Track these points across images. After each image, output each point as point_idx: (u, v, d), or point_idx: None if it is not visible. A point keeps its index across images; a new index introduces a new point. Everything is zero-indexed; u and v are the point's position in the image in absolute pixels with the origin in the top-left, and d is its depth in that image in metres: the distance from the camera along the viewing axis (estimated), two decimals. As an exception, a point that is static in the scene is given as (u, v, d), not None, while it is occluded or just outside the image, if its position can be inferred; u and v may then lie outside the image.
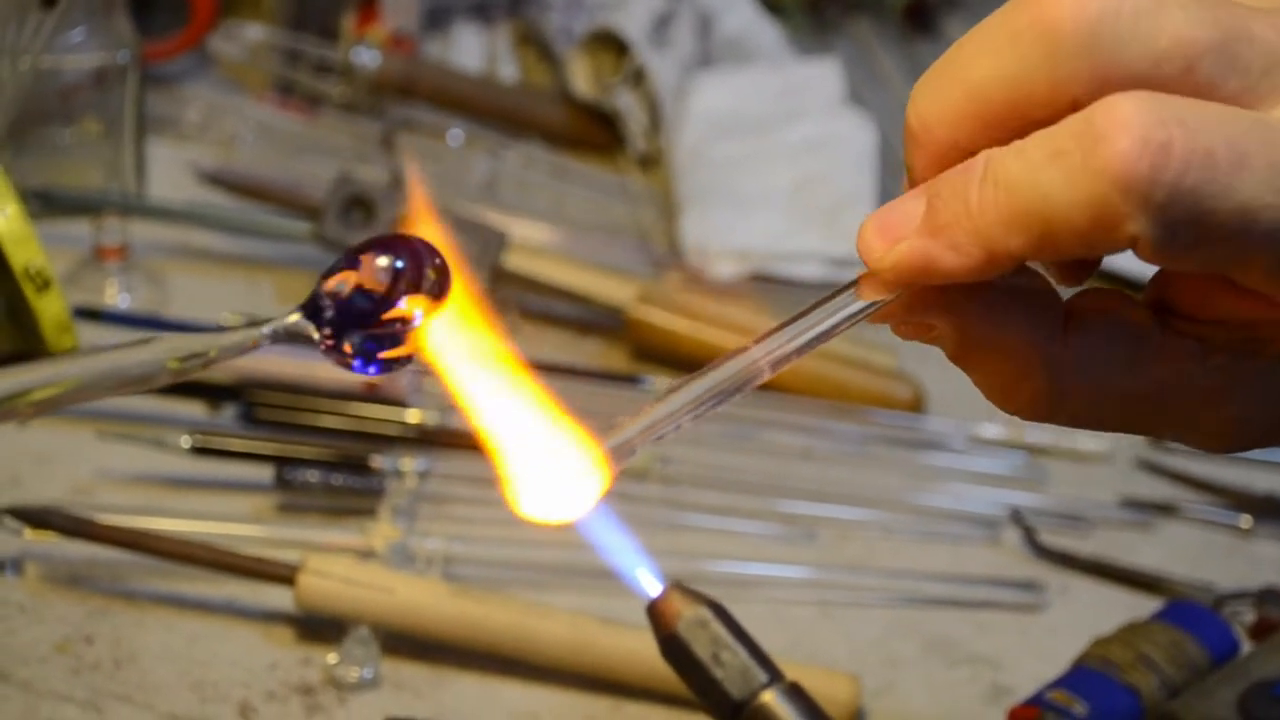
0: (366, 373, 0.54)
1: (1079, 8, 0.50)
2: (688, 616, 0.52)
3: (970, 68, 0.53)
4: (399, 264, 0.53)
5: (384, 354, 0.54)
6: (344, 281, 0.53)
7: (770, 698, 0.51)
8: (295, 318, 0.53)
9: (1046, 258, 0.52)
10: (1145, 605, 1.00)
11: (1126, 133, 0.48)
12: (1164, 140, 0.48)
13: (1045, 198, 0.50)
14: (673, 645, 0.52)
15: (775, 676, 0.51)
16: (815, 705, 0.51)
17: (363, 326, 0.53)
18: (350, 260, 0.54)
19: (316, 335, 0.53)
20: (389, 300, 0.53)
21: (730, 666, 0.51)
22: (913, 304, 0.55)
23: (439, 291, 0.53)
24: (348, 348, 0.54)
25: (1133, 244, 0.50)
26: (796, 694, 0.51)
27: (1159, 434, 0.60)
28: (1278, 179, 0.49)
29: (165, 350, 0.52)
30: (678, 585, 0.53)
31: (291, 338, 0.54)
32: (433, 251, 0.54)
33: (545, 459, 0.51)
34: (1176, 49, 0.50)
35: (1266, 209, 0.49)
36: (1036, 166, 0.50)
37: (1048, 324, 0.56)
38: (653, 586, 0.54)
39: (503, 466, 0.52)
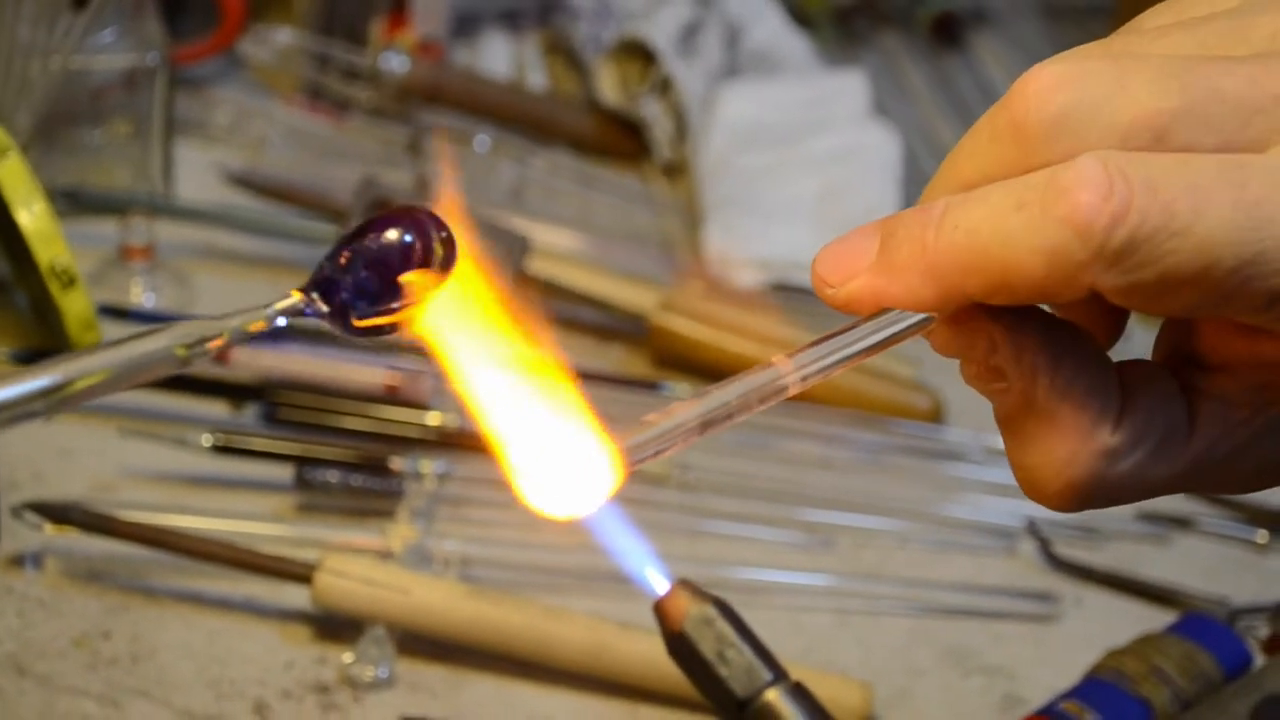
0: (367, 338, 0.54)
1: (1042, 102, 0.52)
2: (694, 614, 0.53)
3: (960, 171, 0.55)
4: (406, 237, 0.53)
5: (390, 319, 0.54)
6: (351, 256, 0.54)
7: (774, 696, 0.51)
8: (299, 296, 0.54)
9: (1001, 301, 0.53)
10: (1159, 618, 1.00)
11: (1088, 187, 0.49)
12: (1124, 193, 0.49)
13: (1004, 244, 0.51)
14: (678, 643, 0.52)
15: (779, 675, 0.52)
16: (819, 705, 0.51)
17: (371, 300, 0.53)
18: (358, 235, 0.54)
19: (325, 308, 0.54)
20: (396, 273, 0.53)
21: (735, 665, 0.51)
22: (985, 321, 0.55)
23: (446, 265, 0.54)
24: (356, 323, 0.54)
25: (1094, 290, 0.50)
26: (800, 693, 0.51)
27: (1181, 493, 0.60)
28: (1242, 217, 0.49)
29: (172, 337, 0.52)
30: (684, 583, 0.54)
31: (298, 314, 0.54)
32: (439, 224, 0.54)
33: (558, 452, 0.51)
34: (1142, 122, 0.51)
35: (1230, 246, 0.49)
36: (998, 213, 0.51)
37: (1110, 398, 0.55)
38: (660, 584, 0.54)
39: (509, 458, 0.52)
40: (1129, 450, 0.55)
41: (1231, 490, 0.59)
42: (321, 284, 0.54)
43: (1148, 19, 0.57)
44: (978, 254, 0.51)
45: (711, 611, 0.53)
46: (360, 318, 0.54)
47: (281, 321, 0.54)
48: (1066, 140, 0.51)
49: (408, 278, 0.53)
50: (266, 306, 0.54)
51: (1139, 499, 0.57)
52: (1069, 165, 0.50)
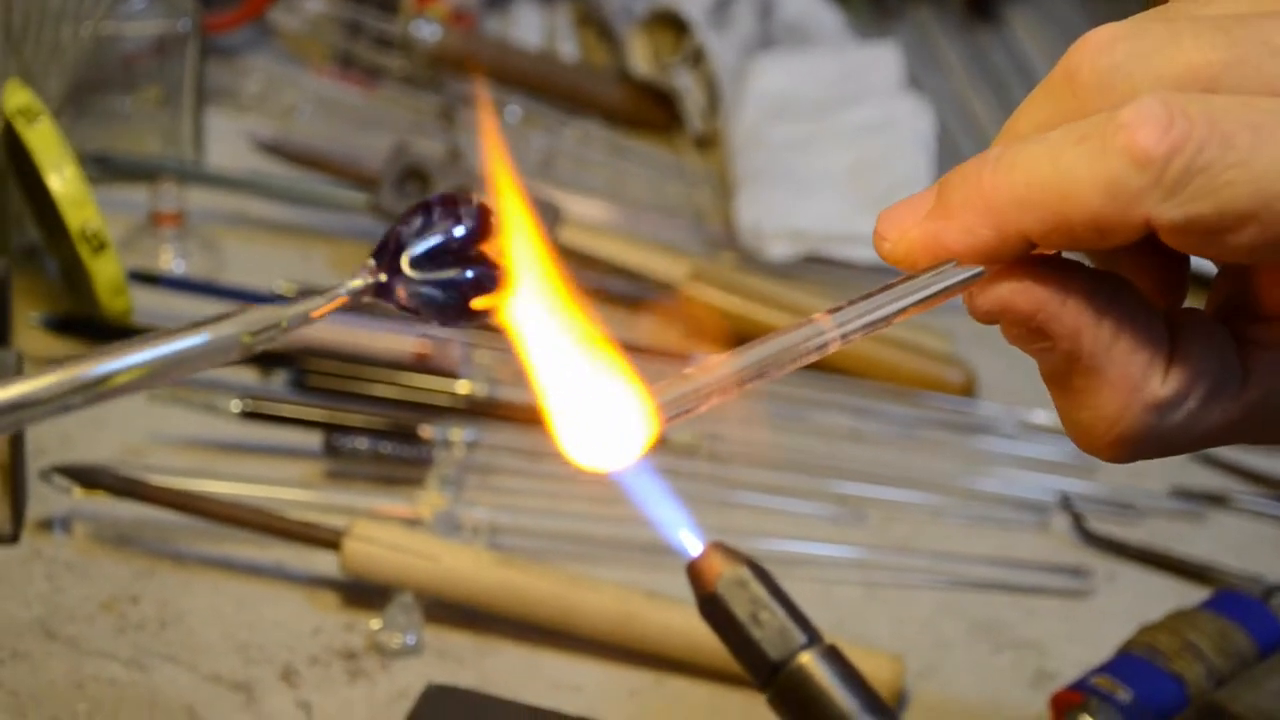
0: (449, 324, 0.54)
1: (1096, 55, 0.52)
2: (727, 576, 0.52)
3: (1017, 127, 0.55)
4: (467, 219, 0.53)
5: (468, 303, 0.54)
6: (416, 237, 0.53)
7: (808, 659, 0.51)
8: (365, 279, 0.53)
9: (1057, 242, 0.52)
10: (1193, 595, 0.99)
11: (1148, 120, 0.49)
12: (1184, 126, 0.49)
13: (1062, 177, 0.51)
14: (711, 604, 0.52)
15: (814, 638, 0.51)
16: (853, 668, 0.50)
17: (437, 278, 0.53)
18: (419, 214, 0.54)
19: (383, 278, 0.53)
20: (462, 251, 0.53)
21: (769, 627, 0.51)
22: (1023, 279, 0.55)
23: (493, 239, 0.54)
24: (418, 305, 0.54)
25: (1150, 226, 0.50)
26: (834, 656, 0.51)
27: (1232, 444, 0.59)
28: None
29: (239, 325, 0.52)
30: (718, 544, 0.53)
31: (363, 297, 0.54)
32: (486, 209, 0.54)
33: (596, 405, 0.51)
34: (1193, 72, 0.51)
35: None
36: (1056, 149, 0.51)
37: (1158, 352, 0.55)
38: (693, 546, 0.53)
39: (551, 410, 0.52)
40: (1179, 401, 0.54)
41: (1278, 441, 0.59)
42: (391, 267, 0.54)
43: None
44: (1035, 189, 0.51)
45: (745, 573, 0.52)
46: (427, 301, 0.53)
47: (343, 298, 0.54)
48: (1120, 89, 0.51)
49: (477, 257, 0.53)
50: (332, 289, 0.54)
51: (1192, 449, 0.57)
52: (1129, 103, 0.50)
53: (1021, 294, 0.54)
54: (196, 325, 0.52)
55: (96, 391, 0.50)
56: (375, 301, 0.55)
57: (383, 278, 0.53)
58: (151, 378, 0.51)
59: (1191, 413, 0.55)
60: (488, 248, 0.54)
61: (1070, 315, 0.54)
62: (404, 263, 0.53)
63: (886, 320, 0.54)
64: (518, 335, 0.54)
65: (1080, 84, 0.52)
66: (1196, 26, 0.52)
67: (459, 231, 0.54)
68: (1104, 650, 0.91)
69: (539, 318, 0.54)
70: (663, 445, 1.08)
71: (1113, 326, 0.54)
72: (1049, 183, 0.51)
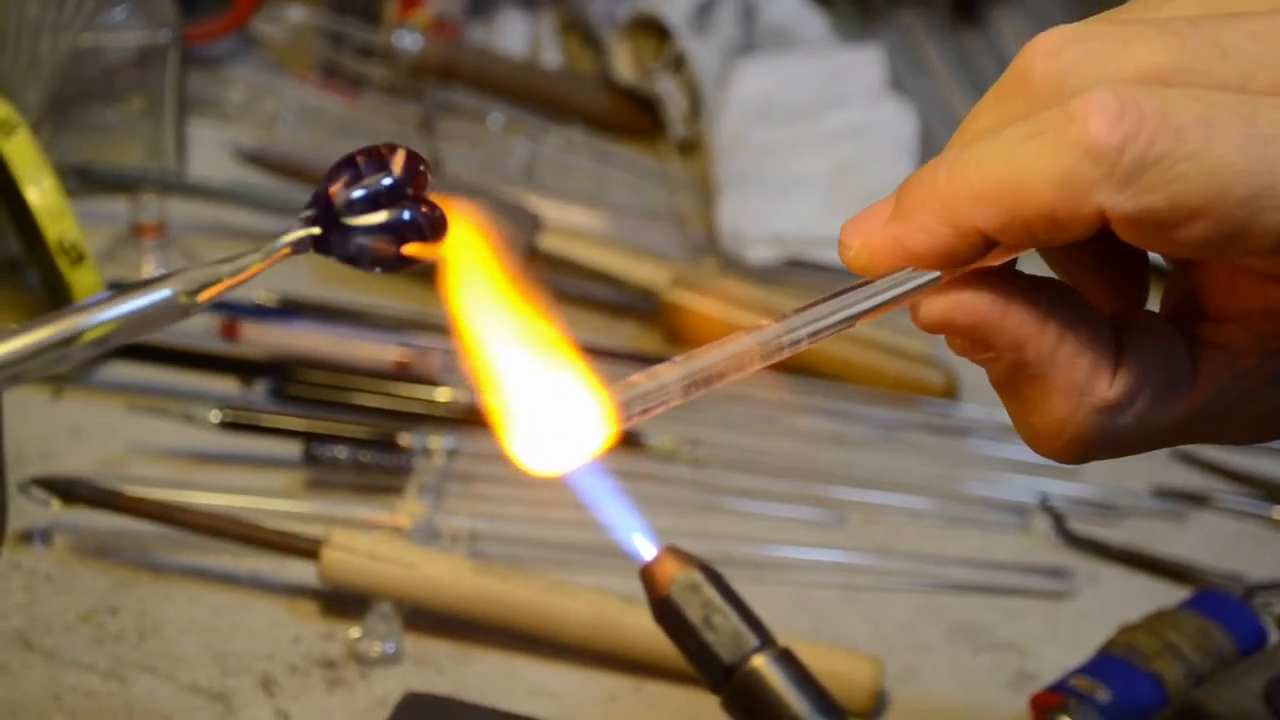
0: (389, 270, 0.54)
1: (1047, 59, 0.53)
2: (680, 580, 0.52)
3: (970, 132, 0.56)
4: (396, 166, 0.54)
5: (405, 247, 0.54)
6: (346, 188, 0.54)
7: (760, 662, 0.51)
8: (301, 232, 0.54)
9: (1015, 237, 0.52)
10: (1174, 595, 0.99)
11: (1099, 110, 0.49)
12: (1135, 116, 0.49)
13: (1016, 171, 0.51)
14: (665, 608, 0.52)
15: (766, 641, 0.51)
16: (805, 670, 0.50)
17: (372, 224, 0.53)
18: (346, 168, 0.54)
19: (317, 230, 0.54)
20: (394, 197, 0.53)
21: (722, 630, 0.51)
22: (962, 292, 0.55)
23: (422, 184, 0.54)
24: (356, 253, 0.54)
25: (1103, 218, 0.50)
26: (787, 659, 0.51)
27: (1185, 443, 0.60)
28: (1254, 149, 0.49)
29: (175, 284, 0.52)
30: (671, 548, 0.53)
31: (301, 249, 0.54)
32: (413, 155, 0.54)
33: (551, 404, 0.51)
34: (1140, 77, 0.52)
35: (1241, 175, 0.49)
36: (1010, 145, 0.52)
37: (1103, 355, 0.55)
38: (647, 550, 0.53)
39: (503, 414, 0.52)
40: (1127, 403, 0.55)
41: (1235, 440, 0.60)
42: (324, 218, 0.54)
43: None
44: (990, 185, 0.52)
45: (698, 577, 0.52)
46: (358, 248, 0.54)
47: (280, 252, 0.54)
48: (1071, 92, 0.52)
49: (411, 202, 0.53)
50: (262, 247, 0.54)
51: (1145, 449, 0.57)
52: (1085, 95, 0.50)
53: (961, 308, 0.54)
54: (131, 288, 0.53)
55: (33, 365, 0.51)
56: (315, 253, 0.55)
57: (317, 230, 0.54)
58: (94, 343, 0.52)
59: (1140, 414, 0.55)
60: (420, 192, 0.54)
61: (1012, 326, 0.54)
62: (338, 212, 0.53)
63: (840, 325, 0.54)
64: (468, 335, 0.54)
65: (1031, 87, 0.53)
66: (1147, 29, 0.52)
67: (387, 180, 0.54)
68: (1085, 651, 0.91)
69: (490, 318, 0.54)
70: (641, 450, 1.08)
71: (1055, 334, 0.54)
72: (1003, 178, 0.52)
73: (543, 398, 0.51)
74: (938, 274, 0.54)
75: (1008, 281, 0.55)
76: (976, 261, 0.55)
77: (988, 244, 0.53)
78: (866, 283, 0.55)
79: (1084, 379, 0.54)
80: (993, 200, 0.52)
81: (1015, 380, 0.56)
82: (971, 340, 0.55)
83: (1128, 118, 0.49)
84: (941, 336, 0.57)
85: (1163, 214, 0.50)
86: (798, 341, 0.54)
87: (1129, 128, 0.49)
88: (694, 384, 0.51)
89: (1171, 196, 0.49)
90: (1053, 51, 0.52)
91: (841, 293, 0.55)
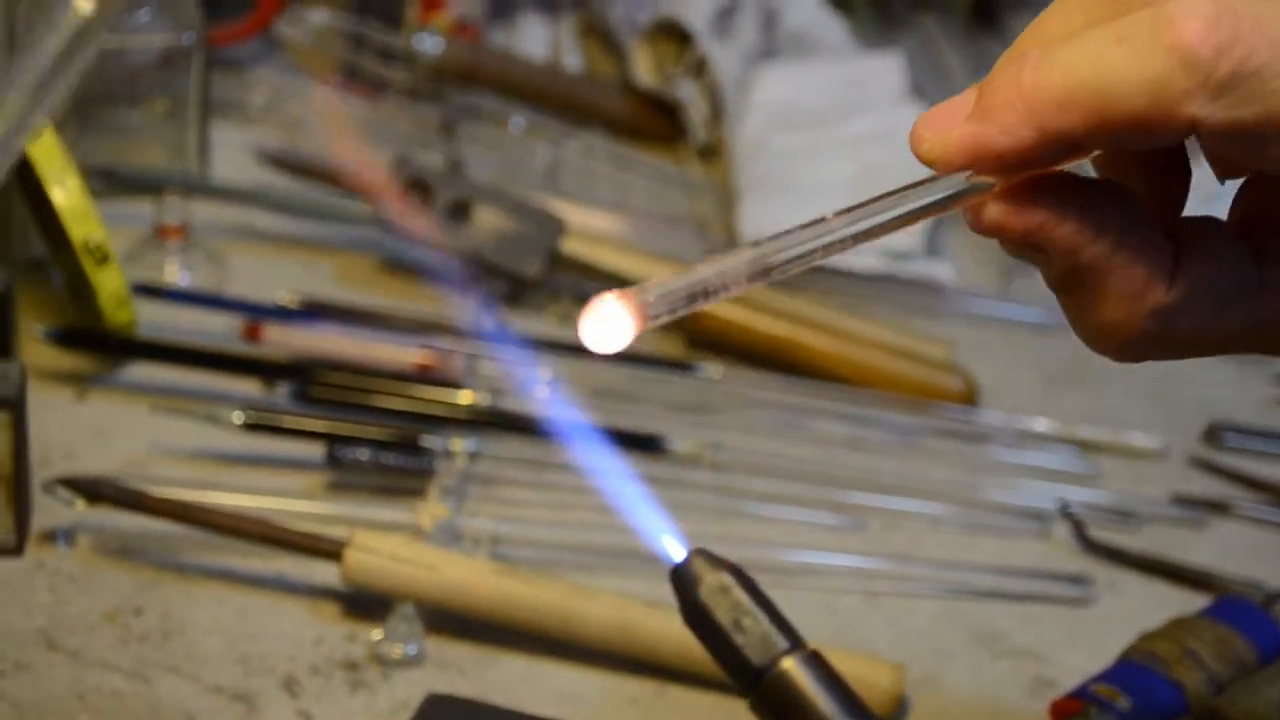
0: None
1: None
2: (710, 582, 0.52)
3: (1047, 30, 0.55)
4: None
5: None
6: None
7: (790, 664, 0.51)
8: None
9: (1100, 142, 0.52)
10: (1194, 602, 0.99)
11: (1195, 16, 0.48)
12: (1231, 25, 0.48)
13: (1105, 75, 0.50)
14: (694, 611, 0.52)
15: (796, 643, 0.51)
16: (834, 673, 0.51)
17: None
18: None
19: None
20: None
21: (751, 633, 0.51)
22: (1020, 199, 0.55)
23: None
24: None
25: (1194, 128, 0.49)
26: (817, 661, 0.51)
27: (1246, 353, 0.59)
28: None
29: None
30: (701, 551, 0.53)
31: None
32: None
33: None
34: None
35: None
36: (1099, 48, 0.50)
37: (1160, 261, 0.55)
38: (677, 553, 0.54)
39: None
40: (1185, 308, 0.55)
41: None
42: None
43: None
44: (1077, 87, 0.51)
45: (728, 579, 0.52)
46: None
47: None
48: None
49: None
50: None
51: (1200, 354, 0.57)
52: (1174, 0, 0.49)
53: (1018, 214, 0.54)
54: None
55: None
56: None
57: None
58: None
59: (1198, 320, 0.55)
60: None
61: (1067, 232, 0.54)
62: None
63: (893, 224, 0.54)
64: None
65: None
66: None
67: None
68: (1104, 658, 0.91)
69: None
70: (663, 454, 1.09)
71: (1111, 240, 0.54)
72: (1092, 83, 0.51)
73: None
74: (991, 180, 0.54)
75: (1064, 187, 0.54)
76: (1055, 165, 0.54)
77: (1070, 148, 0.53)
78: (915, 185, 0.55)
79: (1140, 284, 0.54)
80: (1081, 105, 0.51)
81: (1070, 282, 0.56)
82: (1027, 245, 0.55)
83: (1224, 25, 0.48)
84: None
85: (1256, 128, 0.49)
86: (834, 244, 0.53)
87: (1225, 36, 0.48)
88: (752, 274, 0.51)
89: (1267, 110, 0.49)
90: None
91: (894, 193, 0.55)
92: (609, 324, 0.50)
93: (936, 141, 0.55)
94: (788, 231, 0.53)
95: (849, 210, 0.54)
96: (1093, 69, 0.51)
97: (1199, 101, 0.49)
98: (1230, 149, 0.50)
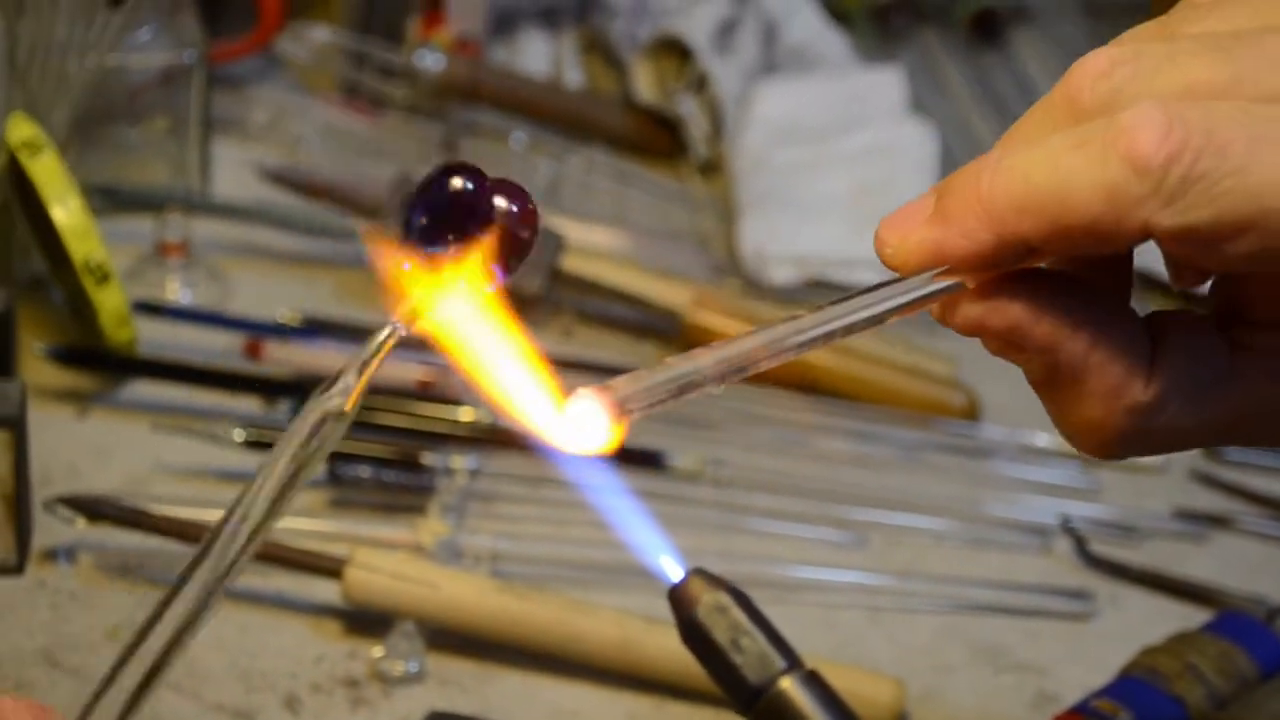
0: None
1: (1096, 78, 0.53)
2: (707, 602, 0.52)
3: (1017, 136, 0.56)
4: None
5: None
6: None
7: (788, 684, 0.51)
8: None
9: (1056, 247, 0.52)
10: (1196, 617, 0.99)
11: (1147, 126, 0.50)
12: (1182, 134, 0.49)
13: (1061, 181, 0.51)
14: (692, 630, 0.52)
15: (794, 663, 0.51)
16: (833, 693, 0.51)
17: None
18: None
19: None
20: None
21: (749, 652, 0.51)
22: (995, 296, 0.55)
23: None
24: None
25: (1148, 232, 0.50)
26: (815, 681, 0.51)
27: (1225, 446, 0.60)
28: None
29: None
30: (699, 571, 0.54)
31: None
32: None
33: (556, 399, 0.52)
34: (1190, 94, 0.52)
35: None
36: (1056, 153, 0.51)
37: (1137, 358, 0.56)
38: (674, 572, 0.54)
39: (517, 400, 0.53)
40: (1163, 404, 0.55)
41: (1274, 443, 0.60)
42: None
43: None
44: (1034, 192, 0.52)
45: (725, 599, 0.52)
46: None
47: None
48: (1119, 110, 0.51)
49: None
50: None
51: (1180, 448, 0.58)
52: (1128, 110, 0.50)
53: (995, 312, 0.54)
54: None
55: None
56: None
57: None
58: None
59: (1176, 414, 0.55)
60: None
61: (1045, 330, 0.54)
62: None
63: (863, 326, 0.55)
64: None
65: (1081, 108, 0.53)
66: (1194, 45, 0.52)
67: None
68: (1106, 673, 0.91)
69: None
70: (664, 470, 1.09)
71: (1088, 338, 0.54)
72: (1048, 187, 0.51)
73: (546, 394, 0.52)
74: (959, 280, 0.55)
75: (1041, 285, 0.55)
76: (1013, 267, 0.55)
77: (1028, 251, 0.53)
78: (887, 284, 0.55)
79: (1118, 381, 0.55)
80: (1037, 210, 0.52)
81: (1051, 381, 0.56)
82: (1006, 343, 0.56)
83: (1174, 133, 0.49)
84: (965, 359, 0.58)
85: (1207, 230, 0.50)
86: (806, 343, 0.54)
87: (1175, 144, 0.49)
88: (721, 374, 0.52)
89: (1216, 213, 0.49)
90: (1103, 72, 0.52)
91: (860, 293, 0.55)
92: (584, 424, 0.51)
93: (899, 246, 0.56)
94: (760, 329, 0.54)
95: (821, 308, 0.55)
96: (1050, 174, 0.52)
97: (1152, 206, 0.50)
98: (1185, 251, 0.51)
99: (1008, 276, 0.55)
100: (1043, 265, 0.56)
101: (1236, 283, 0.58)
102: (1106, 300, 0.56)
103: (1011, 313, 0.54)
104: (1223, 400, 0.56)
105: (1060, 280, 0.56)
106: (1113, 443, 0.56)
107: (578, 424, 0.52)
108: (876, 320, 0.55)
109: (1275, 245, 0.50)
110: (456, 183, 0.55)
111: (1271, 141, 0.50)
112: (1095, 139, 0.50)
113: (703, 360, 0.53)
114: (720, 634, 0.52)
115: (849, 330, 0.55)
